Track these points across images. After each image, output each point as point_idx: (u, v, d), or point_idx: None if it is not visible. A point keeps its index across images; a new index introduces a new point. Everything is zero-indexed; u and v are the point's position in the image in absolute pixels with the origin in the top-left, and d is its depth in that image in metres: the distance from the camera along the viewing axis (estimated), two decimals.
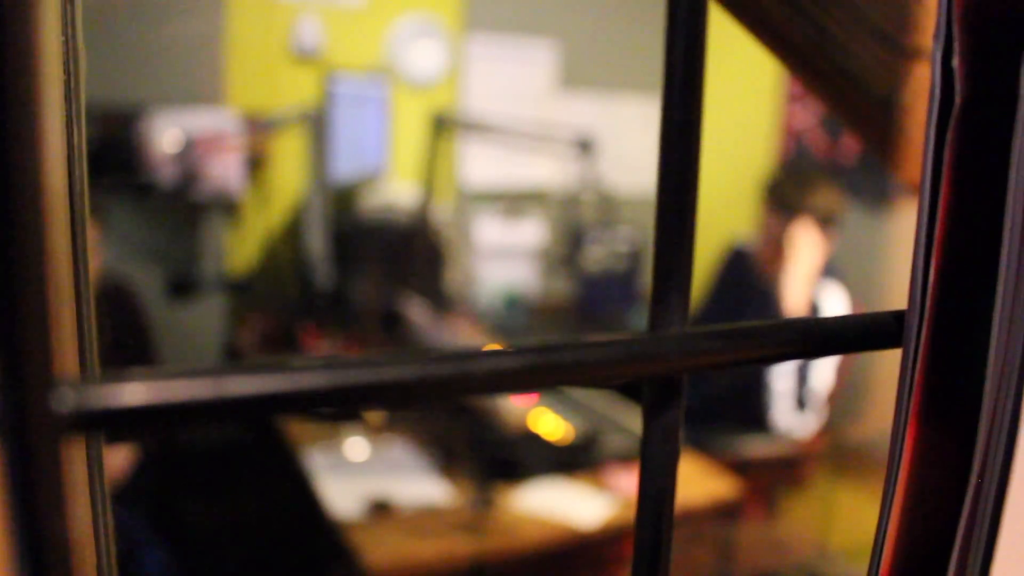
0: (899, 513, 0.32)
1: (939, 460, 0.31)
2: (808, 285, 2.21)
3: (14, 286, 0.17)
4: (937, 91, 0.30)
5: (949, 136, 0.29)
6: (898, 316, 0.31)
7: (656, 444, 0.27)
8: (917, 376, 0.31)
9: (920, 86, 0.73)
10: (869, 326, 0.32)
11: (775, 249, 2.28)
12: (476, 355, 0.22)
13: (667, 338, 0.26)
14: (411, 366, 0.21)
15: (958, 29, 0.29)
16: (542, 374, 0.24)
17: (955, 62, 0.29)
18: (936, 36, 0.30)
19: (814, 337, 0.30)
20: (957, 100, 0.29)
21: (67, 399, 0.18)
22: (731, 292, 2.56)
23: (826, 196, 2.24)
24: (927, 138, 0.30)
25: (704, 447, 2.11)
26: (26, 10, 0.18)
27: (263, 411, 0.21)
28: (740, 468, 2.10)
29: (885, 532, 0.32)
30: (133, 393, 0.19)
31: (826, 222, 2.25)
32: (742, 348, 0.27)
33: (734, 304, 2.50)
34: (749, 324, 0.28)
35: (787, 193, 2.23)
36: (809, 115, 3.08)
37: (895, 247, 2.71)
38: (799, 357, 0.30)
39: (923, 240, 0.30)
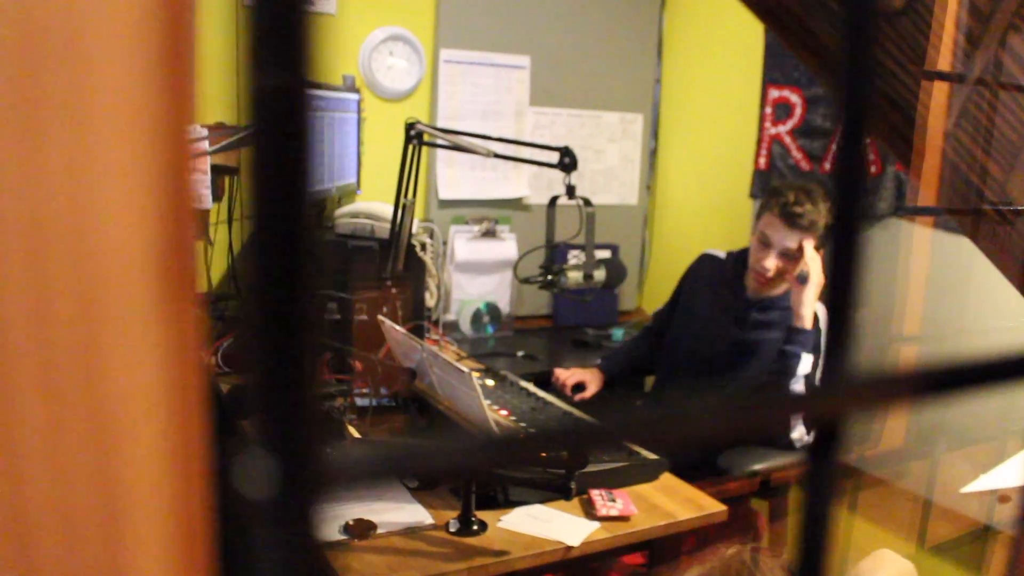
0: None
1: None
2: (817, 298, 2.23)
3: (289, 352, 0.16)
4: None
5: None
6: None
7: (819, 483, 0.26)
8: None
9: (935, 105, 0.73)
10: (1017, 361, 0.30)
11: (782, 262, 2.28)
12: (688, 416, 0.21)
13: (842, 386, 0.25)
14: (584, 436, 0.20)
15: None
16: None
17: None
18: None
19: (971, 373, 0.28)
20: None
21: (319, 463, 0.19)
22: (704, 292, 2.56)
23: (832, 211, 2.26)
24: None
25: (722, 470, 2.12)
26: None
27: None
28: (762, 488, 2.10)
29: None
30: (362, 460, 0.20)
31: (829, 236, 2.27)
32: (903, 392, 0.26)
33: (709, 302, 2.52)
34: (908, 370, 0.27)
35: (805, 210, 2.24)
36: (788, 128, 3.11)
37: (873, 262, 2.74)
38: (955, 396, 0.28)
39: None
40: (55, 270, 0.19)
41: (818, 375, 2.23)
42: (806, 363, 2.19)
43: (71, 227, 0.19)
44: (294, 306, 0.17)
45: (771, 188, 2.48)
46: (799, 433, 2.26)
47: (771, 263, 2.31)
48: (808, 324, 2.20)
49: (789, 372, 2.20)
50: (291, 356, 0.17)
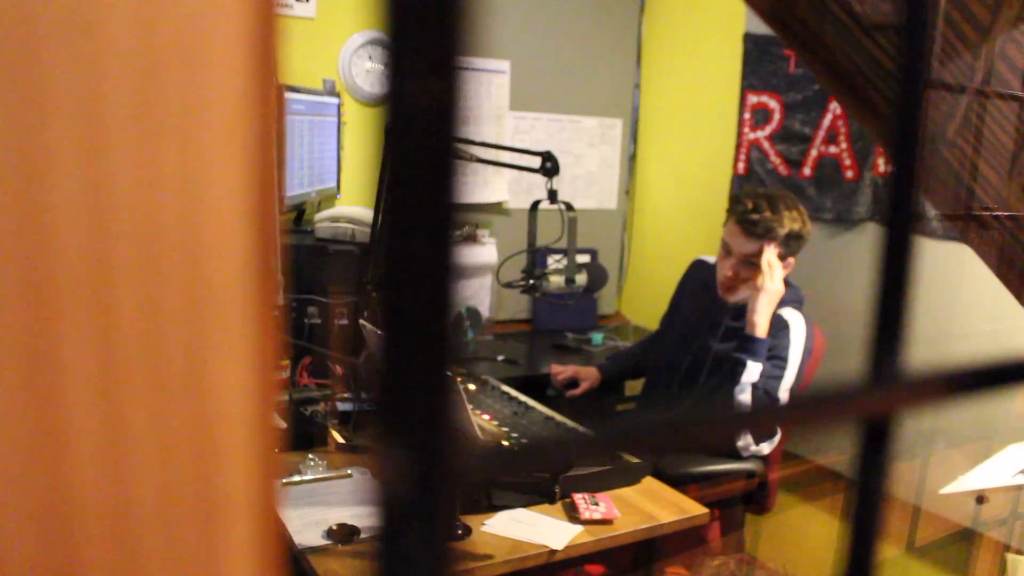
0: None
1: None
2: (774, 307, 2.24)
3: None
4: None
5: None
6: None
7: (870, 481, 0.27)
8: None
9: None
10: None
11: (744, 270, 2.29)
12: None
13: (890, 386, 0.26)
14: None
15: None
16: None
17: None
18: None
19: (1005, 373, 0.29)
20: None
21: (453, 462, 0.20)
22: (691, 297, 2.58)
23: (796, 218, 2.27)
24: None
25: (672, 473, 2.13)
26: None
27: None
28: (708, 495, 2.10)
29: None
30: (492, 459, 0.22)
31: (794, 244, 2.28)
32: (950, 391, 0.27)
33: (693, 308, 2.53)
34: (952, 367, 0.27)
35: (762, 218, 2.24)
36: (765, 134, 3.14)
37: (851, 267, 2.77)
38: (991, 394, 0.29)
39: None
40: (166, 267, 0.19)
41: (785, 384, 2.22)
42: (753, 371, 2.18)
43: (182, 226, 0.19)
44: (434, 308, 0.17)
45: (733, 196, 2.50)
46: (744, 442, 2.26)
47: (731, 270, 2.33)
48: (760, 332, 2.20)
49: (734, 379, 2.20)
50: (428, 359, 0.17)
